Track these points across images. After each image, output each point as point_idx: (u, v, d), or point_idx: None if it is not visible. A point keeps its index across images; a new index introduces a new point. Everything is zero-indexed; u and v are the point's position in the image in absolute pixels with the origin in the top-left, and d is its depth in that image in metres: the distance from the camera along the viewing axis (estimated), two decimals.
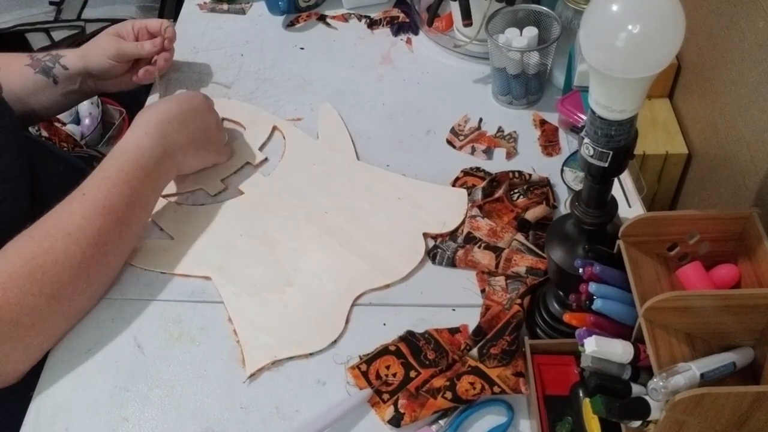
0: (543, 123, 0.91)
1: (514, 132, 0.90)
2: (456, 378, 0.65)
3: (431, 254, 0.77)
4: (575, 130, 0.87)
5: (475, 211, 0.80)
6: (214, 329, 0.74)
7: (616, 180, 0.57)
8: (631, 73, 0.47)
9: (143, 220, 0.79)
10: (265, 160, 0.90)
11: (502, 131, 0.91)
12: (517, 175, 0.83)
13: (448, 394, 0.64)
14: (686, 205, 0.93)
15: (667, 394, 0.48)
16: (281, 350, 0.71)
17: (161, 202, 0.84)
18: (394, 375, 0.68)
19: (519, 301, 0.70)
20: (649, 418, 0.50)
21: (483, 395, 0.64)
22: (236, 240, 0.80)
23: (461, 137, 0.90)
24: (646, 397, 0.50)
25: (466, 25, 0.93)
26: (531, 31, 0.87)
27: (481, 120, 0.92)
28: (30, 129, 0.95)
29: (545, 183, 0.82)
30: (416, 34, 1.07)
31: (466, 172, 0.85)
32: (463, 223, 0.79)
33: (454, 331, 0.71)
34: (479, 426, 0.65)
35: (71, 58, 0.92)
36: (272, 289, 0.76)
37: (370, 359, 0.69)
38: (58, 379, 0.71)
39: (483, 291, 0.73)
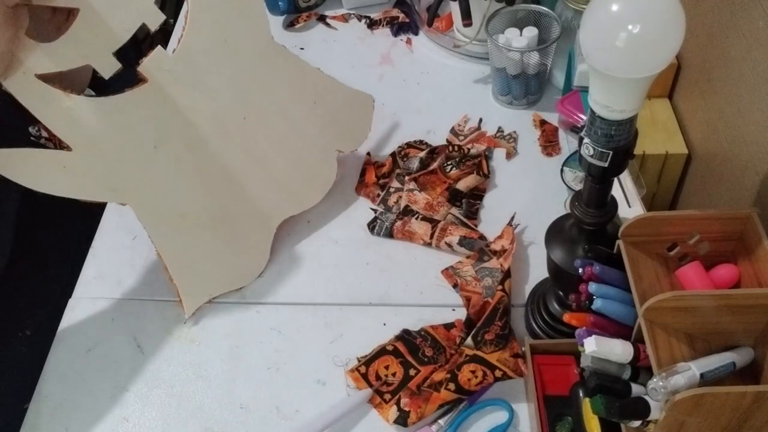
0: (543, 123, 0.91)
1: (514, 132, 0.90)
2: (456, 369, 0.65)
3: (370, 226, 0.81)
4: (575, 130, 0.86)
5: (412, 184, 0.82)
6: (214, 329, 0.74)
7: (616, 180, 0.57)
8: (631, 73, 0.47)
9: None
10: (165, 21, 0.68)
11: (502, 131, 0.91)
12: (456, 149, 0.86)
13: (451, 386, 0.64)
14: (686, 205, 0.93)
15: (667, 394, 0.48)
16: (214, 287, 0.71)
17: (44, 91, 0.63)
18: (394, 375, 0.68)
19: (500, 287, 0.71)
20: (649, 418, 0.50)
21: (486, 383, 0.64)
22: (151, 154, 0.68)
23: (461, 137, 0.90)
24: (646, 397, 0.50)
25: (466, 26, 0.93)
26: (531, 31, 0.87)
27: (481, 120, 0.92)
28: (30, 129, 0.95)
29: (480, 155, 0.85)
30: (416, 34, 1.07)
31: (410, 144, 0.89)
32: (396, 204, 0.82)
33: (449, 326, 0.71)
34: (479, 426, 0.65)
35: None
36: (199, 219, 0.71)
37: (368, 361, 0.69)
38: (58, 379, 0.71)
39: (455, 286, 0.74)
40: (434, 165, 0.84)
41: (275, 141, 0.75)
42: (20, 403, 0.71)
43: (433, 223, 0.79)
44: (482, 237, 0.78)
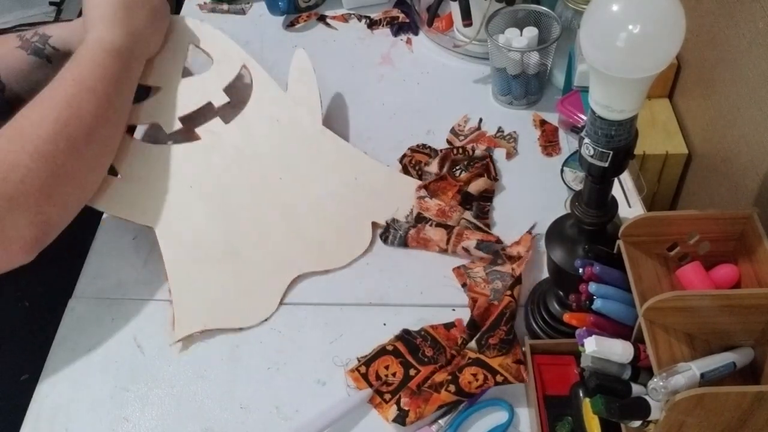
0: (543, 123, 0.91)
1: (514, 132, 0.90)
2: (458, 371, 0.65)
3: (383, 236, 0.79)
4: (575, 130, 0.87)
5: (423, 192, 0.81)
6: (213, 329, 0.74)
7: (616, 180, 0.57)
8: (631, 73, 0.47)
9: (123, 96, 0.78)
10: (228, 102, 0.85)
11: (502, 131, 0.90)
12: (461, 150, 0.86)
13: (452, 388, 0.64)
14: (686, 205, 0.93)
15: (667, 394, 0.48)
16: (212, 320, 0.71)
17: None
18: (394, 375, 0.68)
19: (509, 292, 0.70)
20: (649, 418, 0.50)
21: (486, 386, 0.64)
22: (185, 191, 0.78)
23: (461, 137, 0.90)
24: (646, 397, 0.50)
25: (466, 26, 0.93)
26: (531, 32, 0.87)
27: (481, 120, 0.92)
28: None
29: (486, 156, 0.85)
30: (416, 34, 1.07)
31: (413, 149, 0.88)
32: (410, 212, 0.81)
33: (449, 326, 0.71)
34: (479, 426, 0.65)
35: (58, 39, 0.88)
36: (214, 253, 0.75)
37: (368, 361, 0.69)
38: (58, 379, 0.71)
39: (464, 285, 0.74)
40: (443, 171, 0.83)
41: (310, 203, 0.79)
42: (17, 375, 0.73)
43: (448, 228, 0.78)
44: (499, 240, 0.77)
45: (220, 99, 0.85)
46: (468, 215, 0.79)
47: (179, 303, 0.72)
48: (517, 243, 0.77)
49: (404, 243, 0.78)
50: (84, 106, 0.72)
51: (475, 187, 0.81)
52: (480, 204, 0.81)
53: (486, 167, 0.84)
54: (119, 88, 0.77)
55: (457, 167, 0.85)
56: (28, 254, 0.67)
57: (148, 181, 0.78)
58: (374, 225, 0.79)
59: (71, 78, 0.73)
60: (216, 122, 0.84)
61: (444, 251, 0.77)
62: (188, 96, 0.84)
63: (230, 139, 0.82)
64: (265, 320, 0.73)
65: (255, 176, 0.80)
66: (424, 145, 0.88)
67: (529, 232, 0.78)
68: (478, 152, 0.85)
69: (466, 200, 0.81)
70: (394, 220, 0.80)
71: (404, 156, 0.87)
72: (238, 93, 0.88)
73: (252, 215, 0.78)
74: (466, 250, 0.75)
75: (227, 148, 0.82)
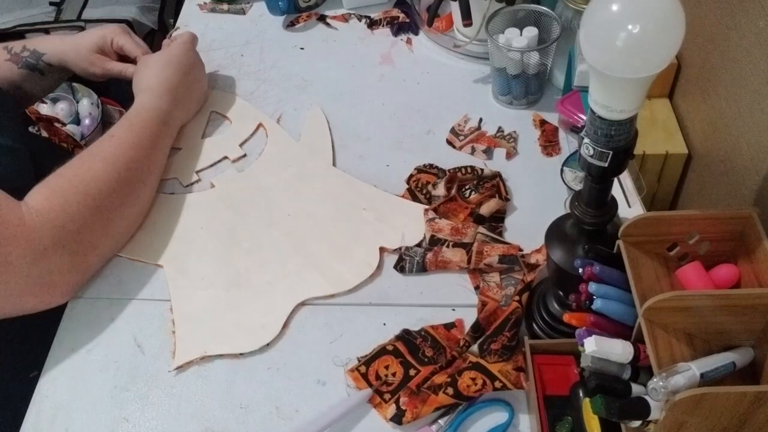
0: (543, 123, 0.91)
1: (514, 132, 0.90)
2: (457, 374, 0.65)
3: (399, 266, 0.76)
4: (575, 130, 0.87)
5: (431, 213, 0.80)
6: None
7: (616, 180, 0.57)
8: (631, 73, 0.47)
9: (163, 160, 0.86)
10: (243, 156, 0.91)
11: (502, 131, 0.91)
12: (469, 170, 0.84)
13: (450, 390, 0.64)
14: (686, 205, 0.93)
15: (667, 394, 0.48)
16: (212, 347, 0.72)
17: None
18: (394, 374, 0.68)
19: (517, 298, 0.70)
20: (649, 418, 0.50)
21: (485, 391, 0.64)
22: (196, 232, 0.82)
23: (461, 137, 0.90)
24: (646, 397, 0.50)
25: (466, 25, 0.93)
26: (531, 31, 0.87)
27: (481, 120, 0.92)
28: (30, 129, 0.95)
29: (496, 176, 0.83)
30: (416, 34, 1.07)
31: (420, 170, 0.86)
32: (423, 238, 0.79)
33: (449, 326, 0.71)
34: (479, 426, 0.65)
35: (52, 56, 0.93)
36: (220, 285, 0.76)
37: (368, 360, 0.69)
38: (58, 379, 0.71)
39: (477, 288, 0.74)
40: (452, 192, 0.82)
41: (318, 231, 0.81)
42: (26, 372, 0.74)
43: (466, 247, 0.76)
44: (520, 249, 0.75)
45: (236, 153, 0.91)
46: (482, 228, 0.77)
47: (181, 334, 0.72)
48: (538, 251, 0.75)
49: (423, 269, 0.75)
50: (141, 168, 0.79)
51: (487, 208, 0.79)
52: (492, 226, 0.78)
53: (497, 187, 0.82)
54: (163, 151, 0.86)
55: (467, 187, 0.83)
56: (65, 297, 0.73)
57: (162, 228, 0.82)
58: (382, 250, 0.78)
59: (132, 142, 0.80)
60: (231, 172, 0.89)
61: (465, 270, 0.75)
62: (206, 153, 0.91)
63: (243, 185, 0.87)
64: (267, 345, 0.72)
65: (264, 213, 0.83)
66: (431, 165, 0.86)
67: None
68: (487, 171, 0.83)
69: (478, 222, 0.78)
70: (407, 248, 0.77)
71: (410, 177, 0.85)
72: (254, 147, 0.92)
73: (258, 247, 0.80)
74: (489, 266, 0.74)
75: (239, 192, 0.86)
